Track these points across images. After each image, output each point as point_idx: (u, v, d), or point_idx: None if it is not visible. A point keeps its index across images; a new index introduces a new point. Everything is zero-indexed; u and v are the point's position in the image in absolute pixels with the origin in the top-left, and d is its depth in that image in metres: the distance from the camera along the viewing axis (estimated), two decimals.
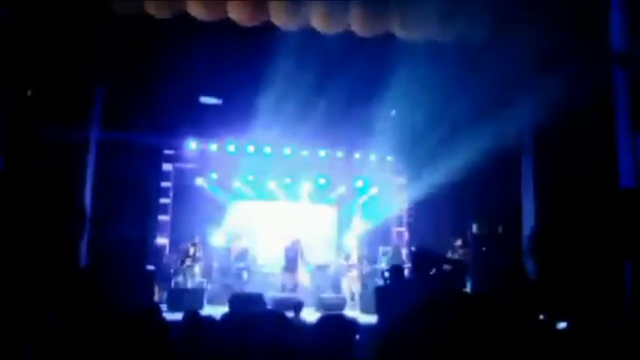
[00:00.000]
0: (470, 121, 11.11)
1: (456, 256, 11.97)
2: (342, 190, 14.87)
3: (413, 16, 8.76)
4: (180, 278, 12.05)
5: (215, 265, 13.38)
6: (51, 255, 7.82)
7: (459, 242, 12.11)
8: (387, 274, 12.20)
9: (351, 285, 12.78)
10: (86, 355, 2.27)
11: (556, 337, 2.54)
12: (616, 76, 6.81)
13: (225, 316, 3.40)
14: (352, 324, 3.54)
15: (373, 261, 13.36)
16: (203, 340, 3.19)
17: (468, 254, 11.87)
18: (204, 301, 11.29)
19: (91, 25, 8.57)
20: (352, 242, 13.60)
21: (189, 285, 11.98)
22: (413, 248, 12.60)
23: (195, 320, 4.87)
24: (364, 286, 12.57)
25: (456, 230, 12.31)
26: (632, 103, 6.59)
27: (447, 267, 10.23)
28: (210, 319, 4.16)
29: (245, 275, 13.10)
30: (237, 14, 8.64)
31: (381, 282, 12.25)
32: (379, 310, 5.32)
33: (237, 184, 14.42)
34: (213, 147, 13.36)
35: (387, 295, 5.38)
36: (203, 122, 12.36)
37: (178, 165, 13.41)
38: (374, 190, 14.86)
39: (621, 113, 6.72)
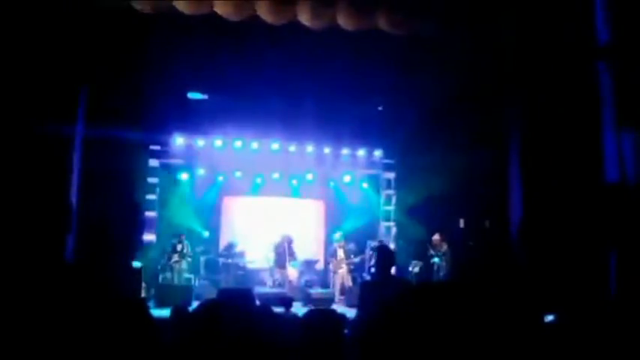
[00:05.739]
0: (457, 115, 11.16)
1: (439, 252, 11.99)
2: (330, 185, 14.86)
3: (399, 11, 8.77)
4: (167, 274, 11.99)
5: (202, 260, 13.34)
6: (36, 250, 7.75)
7: (436, 237, 12.11)
8: (373, 270, 12.22)
9: (342, 280, 12.76)
10: (72, 351, 2.24)
11: (545, 329, 2.55)
12: (601, 70, 6.83)
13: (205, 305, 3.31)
14: (340, 318, 3.54)
15: (360, 255, 13.33)
16: (192, 335, 3.17)
17: (449, 250, 11.90)
18: (193, 297, 11.25)
19: (77, 20, 8.48)
20: (340, 237, 13.56)
21: (177, 281, 11.93)
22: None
23: (183, 316, 4.86)
24: (354, 280, 12.58)
25: (443, 225, 12.33)
26: (617, 97, 6.62)
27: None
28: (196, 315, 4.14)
29: (233, 271, 13.07)
30: (223, 9, 8.60)
31: (368, 277, 12.28)
32: (360, 303, 5.36)
33: (224, 179, 14.36)
34: (200, 142, 13.30)
35: (372, 289, 5.38)
36: (190, 118, 12.31)
37: (165, 160, 13.32)
38: (362, 185, 14.87)
39: (606, 107, 6.75)
